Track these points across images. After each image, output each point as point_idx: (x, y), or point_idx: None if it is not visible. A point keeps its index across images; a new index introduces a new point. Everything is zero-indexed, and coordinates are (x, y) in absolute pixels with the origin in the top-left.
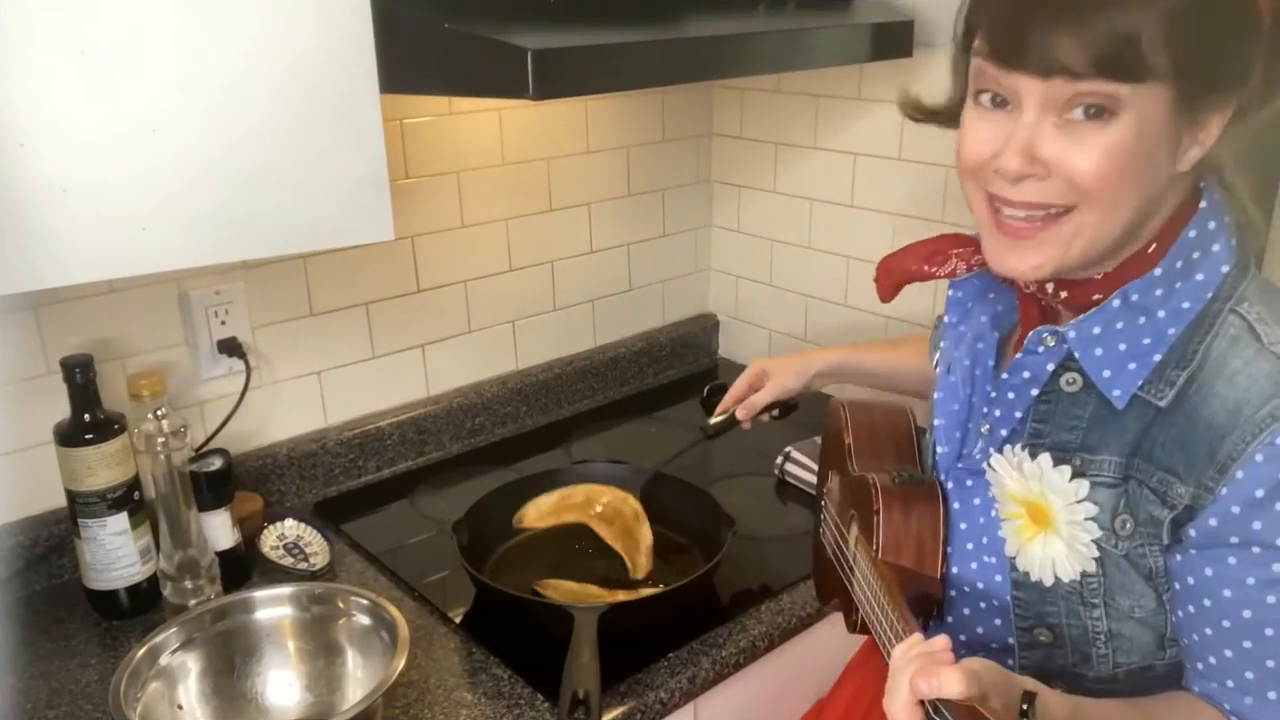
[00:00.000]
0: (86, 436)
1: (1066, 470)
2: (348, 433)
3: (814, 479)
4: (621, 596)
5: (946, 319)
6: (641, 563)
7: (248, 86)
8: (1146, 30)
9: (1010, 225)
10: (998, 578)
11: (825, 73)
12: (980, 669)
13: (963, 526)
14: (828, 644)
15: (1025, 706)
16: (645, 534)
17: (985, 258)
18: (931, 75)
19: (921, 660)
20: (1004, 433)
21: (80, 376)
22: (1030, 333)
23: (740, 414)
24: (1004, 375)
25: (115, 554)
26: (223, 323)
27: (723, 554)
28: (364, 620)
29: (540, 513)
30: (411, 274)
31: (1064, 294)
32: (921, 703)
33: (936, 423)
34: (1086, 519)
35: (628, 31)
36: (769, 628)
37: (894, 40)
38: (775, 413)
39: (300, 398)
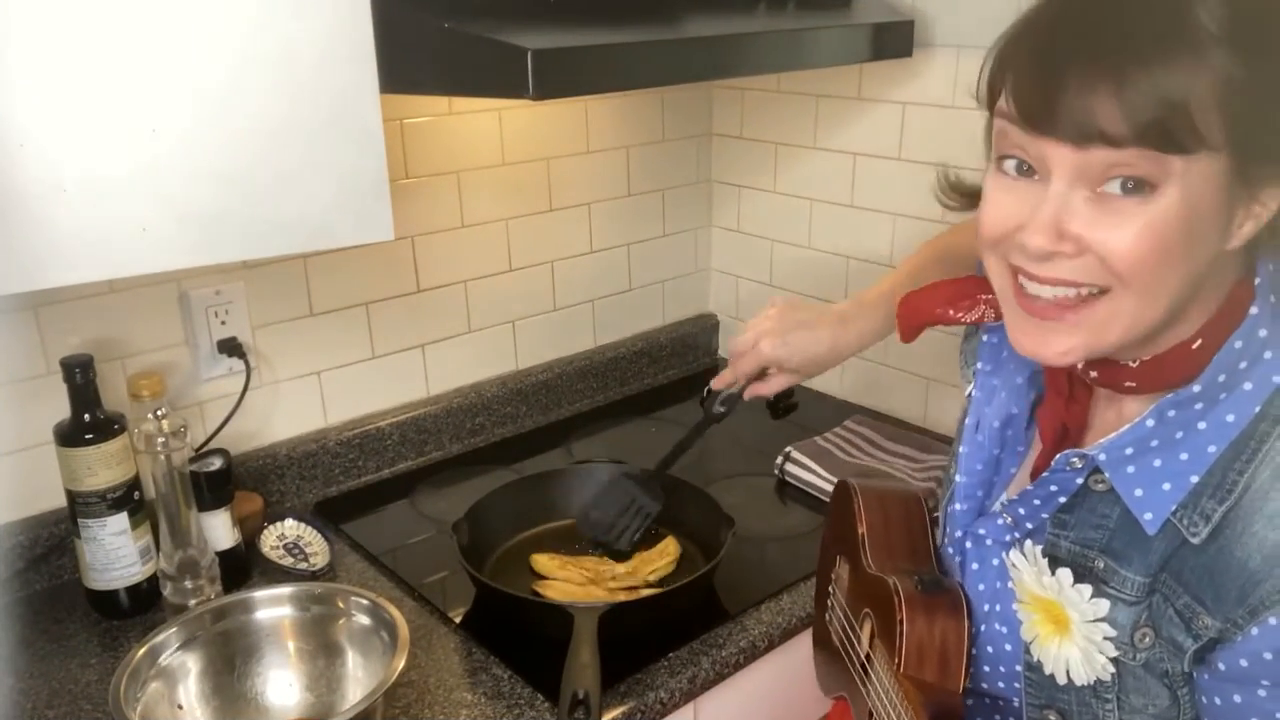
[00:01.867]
0: (86, 436)
1: (1086, 589)
2: (348, 433)
3: (814, 479)
4: (621, 596)
5: (980, 364)
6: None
7: (247, 86)
8: (1197, 95)
9: (1036, 305)
10: (1008, 647)
11: (825, 73)
12: None
13: (980, 588)
14: None
15: None
16: (670, 548)
17: (1009, 335)
18: (931, 75)
19: None
20: (1030, 526)
21: (80, 376)
22: (1057, 455)
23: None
24: (1029, 487)
25: (115, 554)
26: (223, 323)
27: (723, 554)
28: (364, 620)
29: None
30: (411, 274)
31: (1094, 374)
32: None
33: (958, 479)
34: (1104, 638)
35: (628, 31)
36: (769, 628)
37: (894, 40)
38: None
39: (300, 398)
